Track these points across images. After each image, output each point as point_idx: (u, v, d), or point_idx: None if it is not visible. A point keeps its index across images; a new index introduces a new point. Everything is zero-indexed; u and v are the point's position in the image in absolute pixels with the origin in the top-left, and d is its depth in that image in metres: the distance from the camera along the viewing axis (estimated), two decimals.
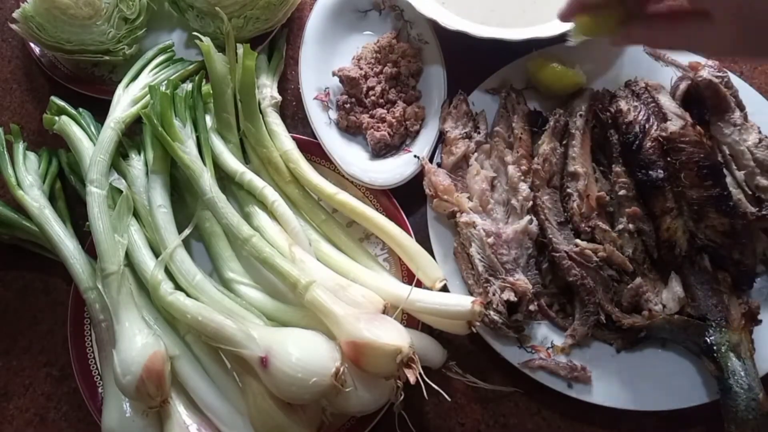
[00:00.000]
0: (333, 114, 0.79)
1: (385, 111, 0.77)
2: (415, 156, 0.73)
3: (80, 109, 0.77)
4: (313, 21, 0.80)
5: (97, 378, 0.69)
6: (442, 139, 0.74)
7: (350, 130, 0.78)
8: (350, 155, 0.75)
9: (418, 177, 0.72)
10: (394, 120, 0.76)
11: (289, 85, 0.84)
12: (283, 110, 0.81)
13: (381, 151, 0.76)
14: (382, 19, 0.82)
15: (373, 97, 0.77)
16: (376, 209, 0.72)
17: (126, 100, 0.74)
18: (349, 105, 0.77)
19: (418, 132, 0.77)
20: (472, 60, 0.75)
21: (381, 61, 0.79)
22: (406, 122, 0.76)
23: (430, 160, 0.73)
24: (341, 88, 0.79)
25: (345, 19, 0.82)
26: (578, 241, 0.66)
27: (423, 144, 0.75)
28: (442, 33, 0.76)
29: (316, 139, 0.75)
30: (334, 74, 0.78)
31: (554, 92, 0.74)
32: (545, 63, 0.73)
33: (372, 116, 0.77)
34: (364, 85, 0.77)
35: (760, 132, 0.69)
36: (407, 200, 0.73)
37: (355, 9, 0.82)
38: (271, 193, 0.70)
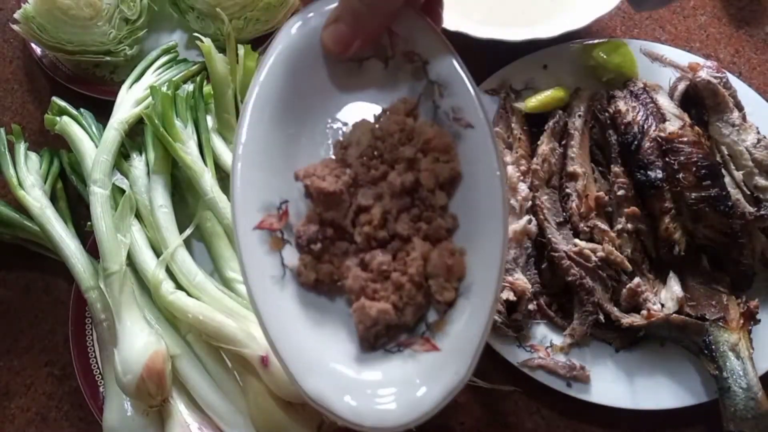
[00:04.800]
0: (291, 255, 0.41)
1: (390, 257, 0.41)
2: None
3: (81, 110, 0.77)
4: (267, 78, 0.42)
5: (98, 377, 0.69)
6: None
7: (321, 288, 0.41)
8: (316, 351, 0.39)
9: None
10: (405, 279, 0.40)
11: None
12: None
13: (377, 340, 0.40)
14: (388, 74, 0.44)
15: (366, 227, 0.41)
16: None
17: (129, 101, 0.74)
18: (320, 241, 0.41)
19: (450, 305, 0.40)
20: (471, 60, 0.75)
21: (383, 156, 0.42)
22: (428, 283, 0.40)
23: None
24: (308, 204, 0.42)
25: (323, 73, 0.43)
26: (577, 240, 0.67)
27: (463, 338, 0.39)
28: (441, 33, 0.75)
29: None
30: (297, 178, 0.42)
31: (615, 75, 0.73)
32: (620, 45, 0.73)
33: (365, 266, 0.41)
34: (350, 203, 0.42)
35: (758, 132, 0.69)
36: None
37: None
38: None
